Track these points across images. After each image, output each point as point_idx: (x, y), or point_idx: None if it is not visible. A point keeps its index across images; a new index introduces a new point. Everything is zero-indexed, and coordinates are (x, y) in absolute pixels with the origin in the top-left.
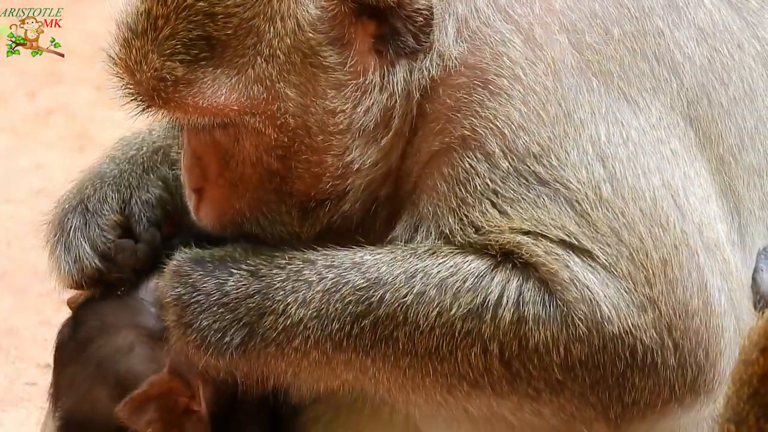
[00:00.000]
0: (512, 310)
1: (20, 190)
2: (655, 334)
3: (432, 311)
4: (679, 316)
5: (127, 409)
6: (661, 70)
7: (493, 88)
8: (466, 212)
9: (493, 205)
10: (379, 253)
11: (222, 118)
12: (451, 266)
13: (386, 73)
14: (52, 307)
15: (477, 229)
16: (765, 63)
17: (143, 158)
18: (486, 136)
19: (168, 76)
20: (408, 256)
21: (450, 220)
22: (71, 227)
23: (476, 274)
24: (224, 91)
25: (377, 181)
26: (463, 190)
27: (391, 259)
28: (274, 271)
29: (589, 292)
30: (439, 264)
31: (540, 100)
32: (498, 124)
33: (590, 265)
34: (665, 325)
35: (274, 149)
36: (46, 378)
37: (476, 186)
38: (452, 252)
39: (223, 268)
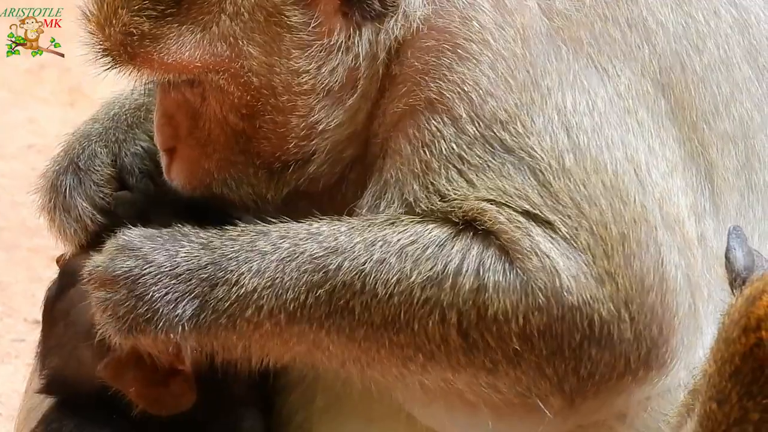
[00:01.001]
0: (472, 277)
1: (12, 145)
2: (612, 306)
3: (391, 279)
4: (636, 291)
5: (108, 369)
6: (633, 37)
7: (462, 52)
8: (432, 179)
9: (459, 172)
10: (336, 224)
11: (187, 75)
12: (412, 234)
13: (352, 35)
14: (42, 263)
15: (442, 197)
16: (742, 30)
17: (126, 115)
18: (453, 100)
19: (135, 31)
20: (367, 225)
21: (415, 186)
22: (66, 188)
23: (437, 242)
24: (189, 47)
25: (343, 143)
26: (428, 153)
27: (349, 229)
28: (227, 243)
29: (549, 262)
30: (400, 232)
31: (508, 66)
32: (466, 88)
33: (551, 236)
34: (622, 299)
35: (239, 108)
36: (34, 334)
37: (442, 150)
38: (412, 221)
39: (173, 241)
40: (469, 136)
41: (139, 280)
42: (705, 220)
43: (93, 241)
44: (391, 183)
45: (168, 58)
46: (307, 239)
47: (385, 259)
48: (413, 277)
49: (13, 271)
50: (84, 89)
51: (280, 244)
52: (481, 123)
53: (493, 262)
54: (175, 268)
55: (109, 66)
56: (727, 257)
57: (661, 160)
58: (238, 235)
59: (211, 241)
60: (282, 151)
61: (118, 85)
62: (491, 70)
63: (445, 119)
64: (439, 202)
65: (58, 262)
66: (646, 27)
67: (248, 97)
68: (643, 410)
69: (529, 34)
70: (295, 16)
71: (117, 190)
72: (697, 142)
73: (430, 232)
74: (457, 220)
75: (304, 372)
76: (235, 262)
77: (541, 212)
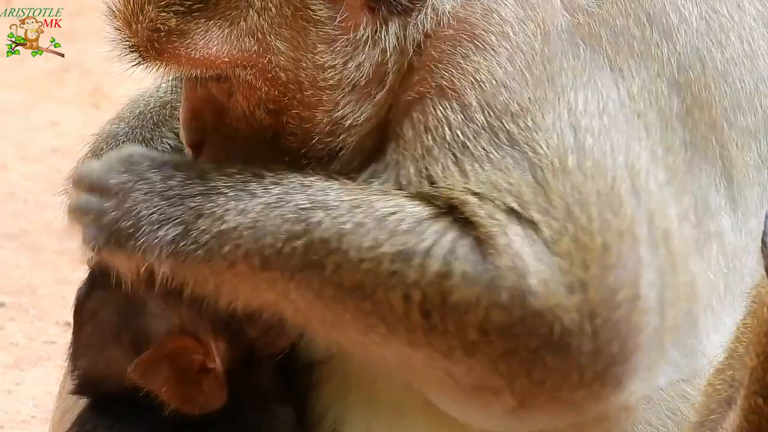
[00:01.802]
0: (440, 261)
1: (36, 147)
2: (576, 317)
3: (365, 244)
4: (604, 305)
5: (138, 370)
6: (653, 34)
7: (479, 43)
8: (427, 164)
9: (456, 161)
10: (330, 180)
11: (214, 71)
12: (395, 205)
13: (378, 30)
14: (69, 265)
15: (432, 183)
16: (766, 22)
17: (152, 113)
18: (465, 88)
19: (162, 27)
20: (358, 189)
21: (411, 170)
22: None
23: (416, 219)
24: (216, 42)
25: (367, 136)
26: (430, 138)
27: (341, 187)
28: (222, 178)
29: (520, 263)
30: (385, 201)
31: (526, 60)
32: (479, 77)
33: (531, 237)
34: (588, 311)
35: (266, 103)
36: (65, 336)
37: (445, 136)
38: (401, 195)
39: (172, 165)
40: (477, 125)
41: (131, 194)
42: (720, 217)
43: None
44: (390, 166)
45: (195, 54)
46: (297, 189)
47: (364, 224)
48: (384, 248)
49: (41, 273)
50: (106, 90)
51: (271, 189)
52: (491, 113)
53: (465, 251)
54: (167, 191)
55: (135, 62)
56: (763, 241)
57: (661, 167)
58: (234, 173)
59: (207, 173)
60: (307, 146)
61: (140, 85)
62: (509, 63)
63: (455, 105)
64: (427, 186)
65: (87, 263)
66: (668, 23)
67: (275, 92)
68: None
69: (549, 29)
70: (321, 10)
71: None
72: (715, 141)
73: (412, 208)
74: (440, 204)
75: (337, 367)
76: (224, 198)
77: (527, 211)
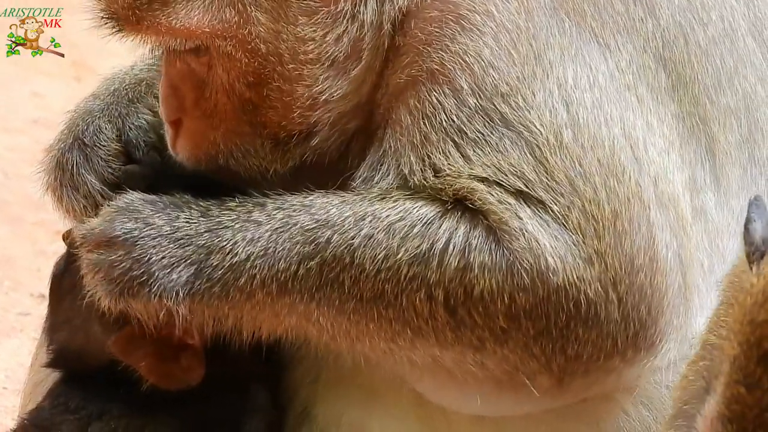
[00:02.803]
0: (458, 256)
1: (17, 119)
2: (599, 287)
3: (379, 254)
4: (625, 271)
5: (119, 344)
6: (636, 10)
7: (465, 23)
8: (428, 152)
9: (456, 146)
10: (328, 197)
11: (194, 41)
12: (401, 211)
13: (357, 3)
14: (47, 237)
15: (436, 172)
16: (747, 2)
17: (127, 90)
18: (455, 71)
19: None
20: (358, 200)
21: (411, 158)
22: (73, 165)
23: (424, 221)
24: (197, 13)
25: (347, 114)
26: (427, 124)
27: (341, 202)
28: (225, 212)
29: (536, 243)
30: (389, 208)
31: (511, 38)
32: (468, 59)
33: (541, 216)
34: (610, 279)
35: (246, 76)
36: (39, 308)
37: (441, 122)
38: (402, 197)
39: (174, 207)
40: (470, 108)
41: (138, 242)
42: (705, 194)
43: None
44: (389, 153)
45: (176, 23)
46: (300, 211)
47: (373, 235)
48: (400, 254)
49: (18, 245)
50: (89, 63)
51: (275, 214)
52: (482, 95)
53: (479, 242)
54: (174, 233)
55: (114, 31)
56: (746, 228)
57: (658, 136)
58: (236, 206)
59: (210, 210)
60: (287, 120)
61: (123, 58)
62: (494, 42)
63: (446, 90)
64: (432, 177)
65: (64, 238)
66: (652, 0)
67: (255, 65)
68: (648, 383)
69: (532, 6)
70: None
71: (125, 164)
72: (698, 118)
73: (418, 210)
74: (446, 199)
75: (308, 347)
76: (230, 231)
77: (533, 190)
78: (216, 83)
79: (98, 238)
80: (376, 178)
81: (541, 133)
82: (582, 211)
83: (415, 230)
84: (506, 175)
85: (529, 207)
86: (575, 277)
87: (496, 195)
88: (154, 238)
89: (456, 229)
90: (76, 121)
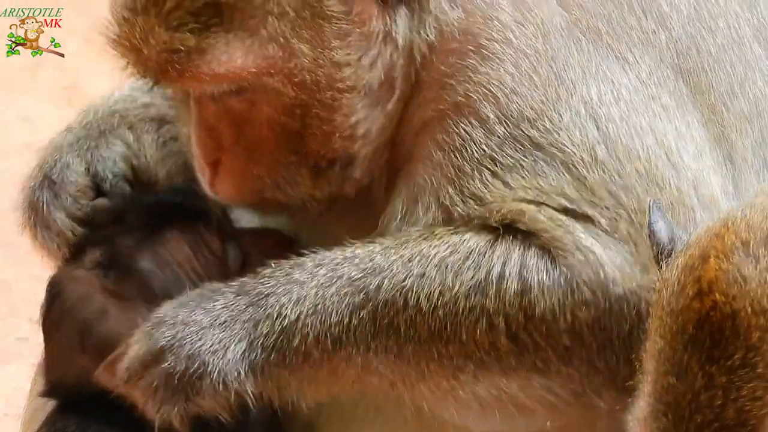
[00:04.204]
0: (516, 280)
1: (9, 143)
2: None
3: (434, 291)
4: None
5: (105, 374)
6: (648, 23)
7: (485, 52)
8: (466, 183)
9: (493, 174)
10: (370, 246)
11: (239, 83)
12: (449, 246)
13: (389, 23)
14: (42, 262)
15: (479, 200)
16: (751, 8)
17: (98, 122)
18: (480, 102)
19: (180, 47)
20: (401, 243)
21: (450, 191)
22: (43, 203)
23: (476, 251)
24: (239, 54)
25: (381, 147)
26: (459, 157)
27: (384, 249)
28: (262, 281)
29: (592, 256)
30: (436, 246)
31: (531, 63)
32: (491, 89)
33: (592, 230)
34: None
35: (293, 108)
36: (37, 333)
37: (473, 153)
38: (447, 233)
39: (207, 299)
40: (499, 137)
41: (184, 341)
42: (730, 201)
43: (76, 253)
44: (426, 188)
45: (219, 69)
46: (343, 263)
47: (425, 273)
48: (456, 288)
49: (14, 270)
50: (81, 87)
51: (317, 271)
52: (509, 122)
53: (535, 262)
54: (215, 320)
55: (150, 85)
56: (650, 230)
57: (689, 142)
58: (272, 272)
59: (245, 285)
60: (327, 149)
61: (115, 82)
62: (515, 68)
63: (473, 121)
64: (476, 206)
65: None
66: (661, 12)
67: (303, 96)
68: None
69: (549, 28)
70: (335, 5)
71: (94, 198)
72: (718, 125)
73: (467, 242)
74: (495, 225)
75: None
76: (274, 297)
77: (579, 207)
78: (259, 118)
79: (144, 360)
80: (419, 211)
81: (575, 153)
82: (629, 221)
83: (469, 261)
84: (549, 195)
85: (578, 222)
86: (635, 285)
87: (545, 213)
88: (198, 332)
89: (509, 253)
90: (46, 157)
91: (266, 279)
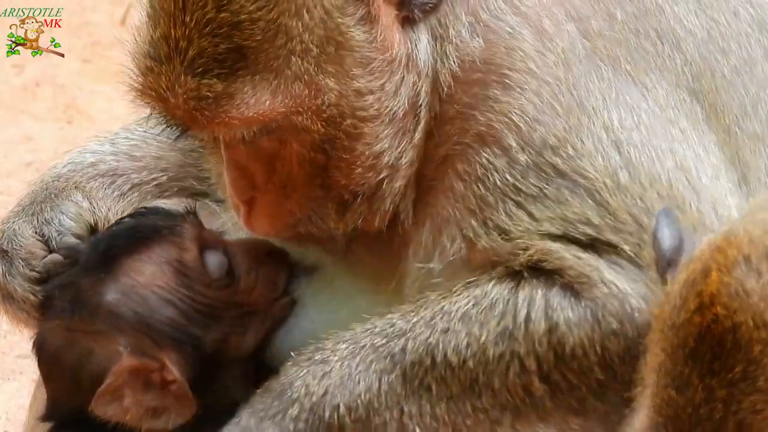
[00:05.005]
0: (542, 320)
1: (9, 162)
2: None
3: (461, 344)
4: None
5: (99, 405)
6: (664, 48)
7: (508, 81)
8: (490, 215)
9: (517, 204)
10: (388, 315)
11: (269, 124)
12: (470, 298)
13: (410, 47)
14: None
15: (504, 233)
16: (760, 28)
17: (44, 188)
18: (502, 131)
19: (208, 94)
20: (420, 306)
21: (473, 222)
22: (3, 276)
23: (500, 299)
24: (267, 96)
25: (406, 180)
26: (482, 187)
27: (403, 314)
28: (288, 372)
29: (616, 288)
30: (456, 301)
31: (553, 91)
32: (513, 118)
33: (616, 260)
34: None
35: (321, 143)
36: None
37: (496, 183)
38: (466, 287)
39: (254, 416)
40: (522, 165)
41: None
42: None
43: (45, 309)
44: (450, 220)
45: (248, 112)
46: (364, 334)
47: (449, 328)
48: (483, 337)
49: None
50: (80, 106)
51: (339, 347)
52: (532, 150)
53: (559, 300)
54: (249, 420)
55: (178, 133)
56: (654, 236)
57: (707, 164)
58: (292, 364)
59: (270, 384)
60: (350, 180)
61: (115, 102)
62: (537, 97)
63: (496, 150)
64: (500, 240)
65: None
66: (675, 36)
67: (330, 130)
68: None
69: (569, 57)
70: (358, 34)
71: (45, 257)
72: (733, 146)
73: (489, 293)
74: (518, 268)
75: None
76: (299, 380)
77: (603, 235)
78: (288, 156)
79: None
80: (444, 244)
81: (597, 179)
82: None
83: (493, 311)
84: (574, 225)
85: (603, 255)
86: None
87: (571, 251)
88: None
89: (533, 295)
90: (2, 242)
91: (290, 368)
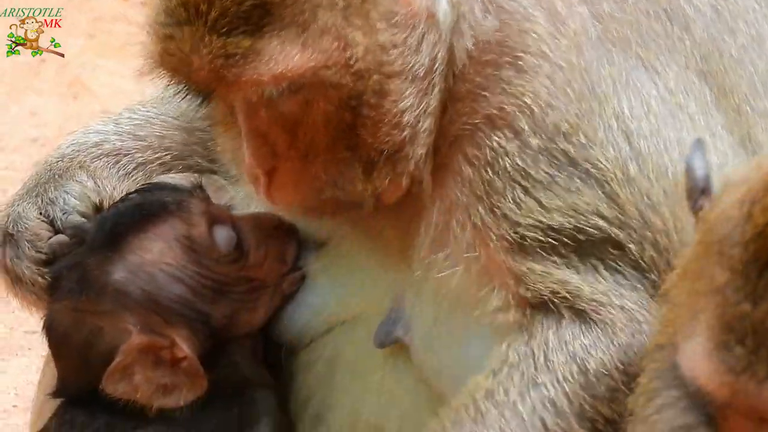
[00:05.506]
0: (558, 354)
1: (16, 138)
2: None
3: (492, 417)
4: None
5: (110, 383)
6: (673, 29)
7: (521, 64)
8: (497, 201)
9: (526, 191)
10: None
11: (297, 81)
12: (488, 376)
13: (431, 4)
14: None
15: (513, 226)
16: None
17: (47, 169)
18: (514, 113)
19: (236, 51)
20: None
21: (480, 209)
22: (10, 260)
23: (516, 361)
24: (296, 50)
25: (427, 150)
26: (490, 172)
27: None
28: None
29: (618, 302)
30: (474, 390)
31: (565, 76)
32: (526, 101)
33: (619, 267)
34: None
35: (349, 100)
36: None
37: (506, 167)
38: (484, 379)
39: None
40: (533, 150)
41: None
42: None
43: (53, 290)
44: (458, 204)
45: (277, 68)
46: None
47: (479, 410)
48: (509, 397)
49: None
50: (84, 81)
51: None
52: (544, 135)
53: (570, 330)
54: None
55: (201, 99)
56: (688, 165)
57: (712, 152)
58: None
59: None
60: (377, 138)
61: (120, 76)
62: (550, 81)
63: (507, 134)
64: (510, 231)
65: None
66: (685, 16)
67: (359, 85)
68: None
69: (582, 40)
70: None
71: (50, 238)
72: (743, 126)
73: (504, 362)
74: (527, 309)
75: (322, 351)
76: None
77: (611, 231)
78: (314, 117)
79: None
80: (454, 228)
81: (608, 169)
82: (653, 244)
83: (513, 375)
84: (585, 217)
85: (608, 263)
86: (654, 317)
87: (588, 282)
88: None
89: (545, 338)
90: (2, 216)
91: None
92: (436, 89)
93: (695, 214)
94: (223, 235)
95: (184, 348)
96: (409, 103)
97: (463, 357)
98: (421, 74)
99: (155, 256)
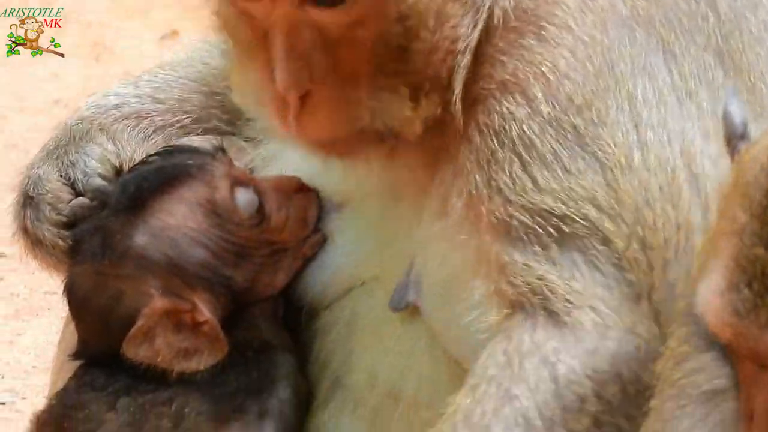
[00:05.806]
0: (532, 358)
1: (38, 100)
2: (652, 324)
3: None
4: (665, 303)
5: (131, 348)
6: (699, 7)
7: (544, 34)
8: (494, 173)
9: (524, 167)
10: None
11: None
12: (468, 391)
13: None
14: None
15: (505, 201)
16: None
17: (67, 132)
18: (529, 80)
19: None
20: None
21: (477, 177)
22: (30, 222)
23: (495, 374)
24: None
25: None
26: (495, 141)
27: None
28: None
29: (589, 303)
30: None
31: (587, 51)
32: (543, 69)
33: (599, 267)
34: (655, 313)
35: (406, 17)
36: None
37: (512, 135)
38: (463, 396)
39: None
40: (543, 118)
41: None
42: None
43: (75, 252)
44: (462, 171)
45: None
46: None
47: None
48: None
49: None
50: (106, 43)
51: None
52: (556, 105)
53: (543, 333)
54: None
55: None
56: (725, 111)
57: (713, 144)
58: None
59: None
60: (430, 64)
61: (141, 39)
62: (571, 54)
63: (519, 99)
64: (500, 208)
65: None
66: None
67: (421, 5)
68: None
69: (608, 17)
70: None
71: (71, 201)
72: (757, 104)
73: (485, 371)
74: (505, 324)
75: (340, 313)
76: None
77: (601, 224)
78: (362, 38)
79: None
80: (453, 194)
81: (614, 154)
82: (640, 241)
83: (492, 386)
84: (577, 203)
85: (588, 258)
86: (630, 321)
87: (562, 283)
88: None
89: (520, 344)
90: (23, 178)
91: None
92: (477, 29)
93: (732, 158)
94: (245, 198)
95: (205, 312)
96: (461, 32)
97: (465, 326)
98: (476, 6)
99: (178, 220)
